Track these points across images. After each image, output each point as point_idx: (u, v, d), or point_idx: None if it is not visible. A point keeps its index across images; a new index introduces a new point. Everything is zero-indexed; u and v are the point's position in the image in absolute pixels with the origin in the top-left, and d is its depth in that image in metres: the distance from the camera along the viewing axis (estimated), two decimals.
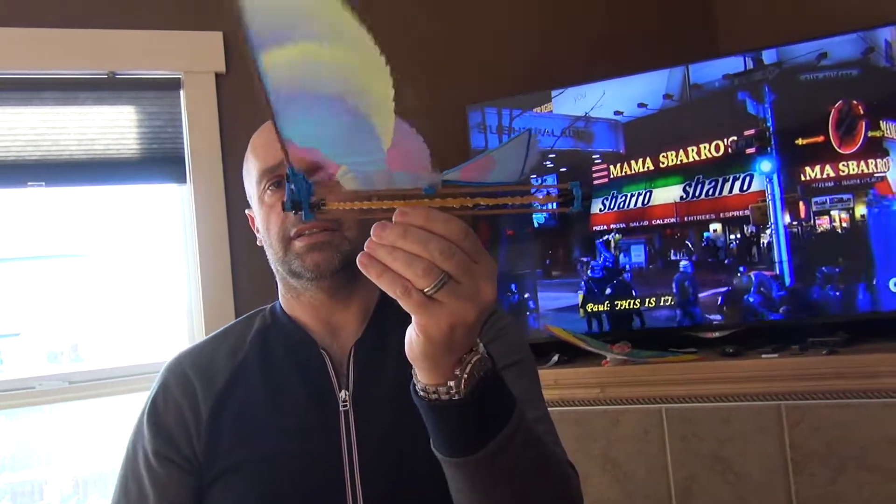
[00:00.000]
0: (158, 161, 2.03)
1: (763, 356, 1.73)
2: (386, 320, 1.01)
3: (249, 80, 2.11)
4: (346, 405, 0.94)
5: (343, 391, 0.95)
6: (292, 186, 0.58)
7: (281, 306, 1.06)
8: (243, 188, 1.07)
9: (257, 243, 1.06)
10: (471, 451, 0.70)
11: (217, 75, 2.05)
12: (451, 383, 0.67)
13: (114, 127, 2.01)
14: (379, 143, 0.57)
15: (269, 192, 0.98)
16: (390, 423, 0.93)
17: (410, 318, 0.64)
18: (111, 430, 2.00)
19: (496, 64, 2.29)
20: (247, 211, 1.07)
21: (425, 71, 2.24)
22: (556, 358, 1.95)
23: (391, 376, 0.95)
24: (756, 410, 1.71)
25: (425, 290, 0.60)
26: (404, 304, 0.61)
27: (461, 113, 2.12)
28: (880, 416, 1.60)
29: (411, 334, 0.65)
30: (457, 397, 0.67)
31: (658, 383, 1.79)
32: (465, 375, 0.67)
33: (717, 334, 1.92)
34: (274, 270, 1.04)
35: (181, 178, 2.05)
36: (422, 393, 0.69)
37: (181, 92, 2.04)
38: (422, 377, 0.68)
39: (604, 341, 1.91)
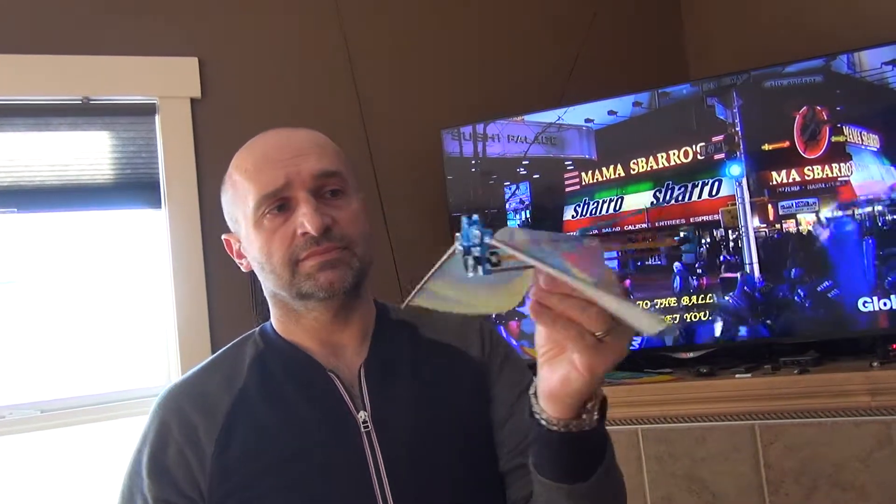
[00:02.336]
0: (133, 186, 2.03)
1: (736, 376, 1.75)
2: (389, 340, 1.01)
3: (224, 105, 2.13)
4: (367, 426, 0.93)
5: (361, 412, 0.94)
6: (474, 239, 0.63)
7: (273, 330, 1.03)
8: (220, 213, 1.04)
9: (242, 269, 1.02)
10: (586, 476, 0.77)
11: (192, 101, 2.06)
12: (585, 416, 0.74)
13: (88, 152, 2.00)
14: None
15: (268, 216, 0.94)
16: (414, 441, 0.94)
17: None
18: (86, 460, 1.97)
19: (470, 89, 2.32)
20: (223, 236, 1.04)
21: (401, 96, 2.27)
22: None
23: (407, 394, 0.96)
24: (730, 430, 1.72)
25: (597, 334, 0.65)
26: (576, 346, 0.66)
27: (436, 135, 2.15)
28: (851, 434, 1.62)
29: (567, 373, 0.69)
30: (587, 428, 0.74)
31: (634, 404, 1.80)
32: (596, 408, 0.74)
33: (691, 354, 1.94)
34: (269, 296, 1.01)
35: (156, 204, 2.04)
36: (552, 426, 0.74)
37: (156, 117, 2.04)
38: (558, 412, 0.73)
39: None
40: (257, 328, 1.06)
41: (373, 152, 2.18)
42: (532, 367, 0.87)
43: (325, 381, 0.96)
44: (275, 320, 1.03)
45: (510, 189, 2.10)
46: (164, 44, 2.06)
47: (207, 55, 2.09)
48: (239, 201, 0.98)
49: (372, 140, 2.19)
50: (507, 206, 2.10)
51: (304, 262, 0.93)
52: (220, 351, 1.06)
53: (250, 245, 0.97)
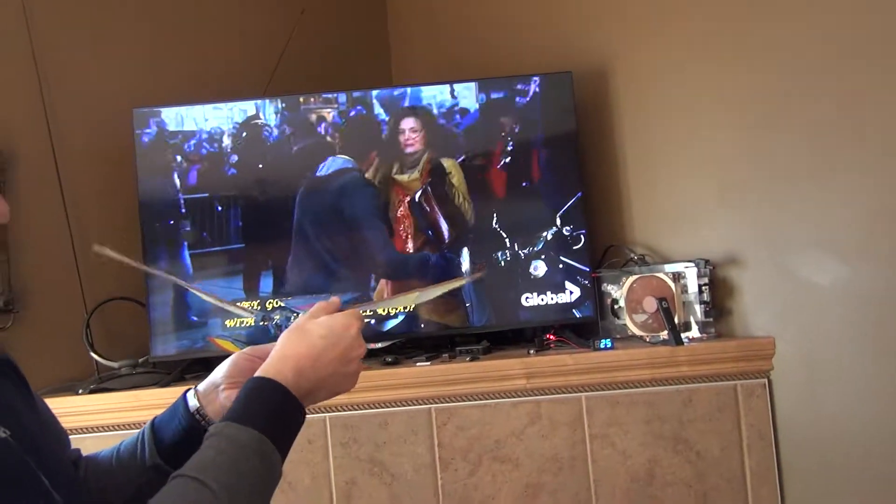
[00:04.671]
0: None
1: (417, 364, 1.89)
2: None
3: None
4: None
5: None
6: None
7: None
8: None
9: None
10: None
11: None
12: None
13: None
14: None
15: None
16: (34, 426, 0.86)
17: None
18: None
19: (166, 71, 2.23)
20: None
21: (91, 70, 2.11)
22: None
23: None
24: (410, 414, 1.85)
25: None
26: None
27: (127, 114, 2.03)
28: (510, 414, 1.83)
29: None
30: None
31: None
32: None
33: (380, 345, 2.05)
34: None
35: None
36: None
37: None
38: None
39: None
40: None
41: (52, 131, 1.99)
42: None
43: None
44: None
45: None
46: None
47: None
48: None
49: (53, 117, 2.00)
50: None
51: None
52: None
53: None
